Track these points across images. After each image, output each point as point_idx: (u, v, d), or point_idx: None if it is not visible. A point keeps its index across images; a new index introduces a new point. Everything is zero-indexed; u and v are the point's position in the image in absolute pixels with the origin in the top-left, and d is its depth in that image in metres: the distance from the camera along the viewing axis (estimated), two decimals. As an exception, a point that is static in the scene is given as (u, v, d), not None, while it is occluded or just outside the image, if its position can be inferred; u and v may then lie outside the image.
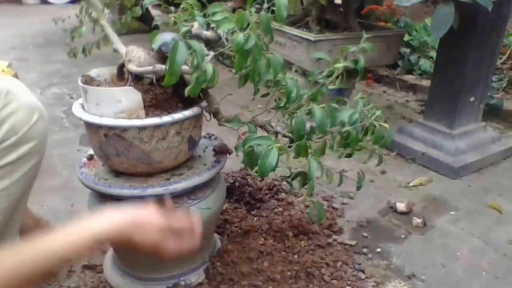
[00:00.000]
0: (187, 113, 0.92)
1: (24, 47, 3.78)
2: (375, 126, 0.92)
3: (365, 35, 0.98)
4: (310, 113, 0.89)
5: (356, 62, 0.97)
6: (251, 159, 0.86)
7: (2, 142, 0.71)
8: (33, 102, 0.75)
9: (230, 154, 1.10)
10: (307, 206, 1.48)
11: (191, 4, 0.91)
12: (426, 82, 2.57)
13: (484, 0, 1.39)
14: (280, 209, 1.46)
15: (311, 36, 1.86)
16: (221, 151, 1.09)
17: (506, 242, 1.35)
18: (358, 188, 1.03)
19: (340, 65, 0.95)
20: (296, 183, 1.02)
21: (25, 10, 5.80)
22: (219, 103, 0.96)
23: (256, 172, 0.83)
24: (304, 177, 0.95)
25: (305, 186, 0.98)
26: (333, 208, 1.50)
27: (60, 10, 5.29)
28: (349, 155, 1.00)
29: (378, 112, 0.92)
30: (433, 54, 2.70)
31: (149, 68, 0.89)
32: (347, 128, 0.91)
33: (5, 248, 0.64)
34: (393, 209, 1.50)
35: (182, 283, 1.12)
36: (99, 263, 1.23)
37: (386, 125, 0.92)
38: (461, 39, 1.65)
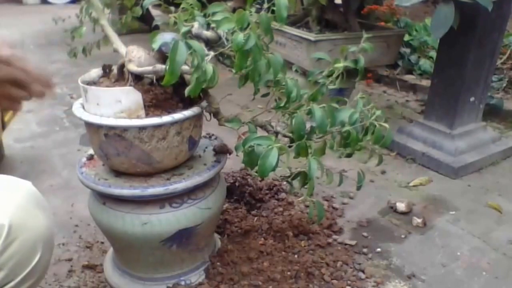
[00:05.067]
0: (187, 113, 0.92)
1: (24, 47, 3.78)
2: (375, 126, 0.92)
3: (365, 35, 0.98)
4: (310, 113, 0.89)
5: (356, 62, 0.97)
6: (251, 159, 0.86)
7: None
8: (40, 232, 0.66)
9: (230, 154, 1.10)
10: (307, 206, 1.48)
11: (191, 4, 0.91)
12: (426, 82, 2.56)
13: (484, 0, 1.39)
14: (280, 209, 1.46)
15: (311, 36, 1.86)
16: (221, 151, 1.09)
17: (506, 242, 1.35)
18: (358, 188, 1.03)
19: (340, 65, 0.95)
20: (296, 183, 1.02)
21: (25, 10, 5.80)
22: (219, 103, 0.96)
23: (256, 172, 0.83)
24: (304, 177, 0.95)
25: (305, 186, 0.98)
26: (333, 208, 1.50)
27: (60, 10, 5.28)
28: (349, 155, 1.00)
29: (378, 112, 0.92)
30: (433, 54, 2.70)
31: (149, 68, 0.89)
32: (347, 128, 0.91)
33: None
34: (393, 209, 1.50)
35: (182, 283, 1.12)
36: (99, 263, 1.23)
37: (386, 125, 0.92)
38: (461, 39, 1.65)
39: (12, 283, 0.64)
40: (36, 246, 0.66)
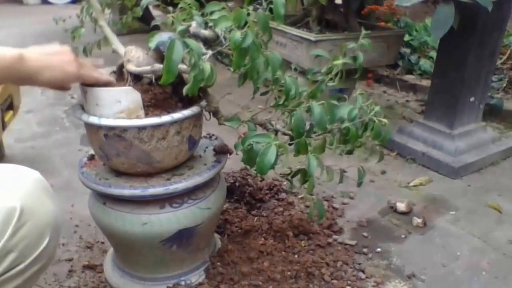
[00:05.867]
0: (186, 112, 0.92)
1: (25, 47, 3.78)
2: (374, 121, 0.92)
3: (364, 31, 0.98)
4: (309, 110, 0.89)
5: (355, 58, 0.97)
6: (250, 157, 0.86)
7: (8, 271, 0.66)
8: (48, 217, 0.69)
9: (230, 154, 1.10)
10: (307, 206, 1.48)
11: (189, 4, 0.92)
12: (426, 82, 2.56)
13: (484, 0, 1.39)
14: (281, 209, 1.46)
15: (311, 36, 1.86)
16: (222, 151, 1.09)
17: (506, 242, 1.34)
18: (359, 184, 1.03)
19: (339, 62, 0.95)
20: (296, 182, 1.02)
21: (26, 10, 5.81)
22: (218, 102, 0.96)
23: (255, 169, 0.83)
24: (304, 175, 0.95)
25: (305, 186, 0.98)
26: (333, 208, 1.50)
27: (61, 10, 5.28)
28: (349, 152, 0.99)
29: (377, 108, 0.92)
30: (433, 54, 2.70)
31: (148, 67, 0.89)
32: (346, 124, 0.91)
33: None
34: (393, 209, 1.50)
35: (182, 283, 1.12)
36: (100, 263, 1.23)
37: (385, 120, 0.92)
38: (461, 39, 1.65)
39: (22, 265, 0.66)
40: (45, 230, 0.69)
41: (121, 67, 0.97)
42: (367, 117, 0.92)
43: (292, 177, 1.02)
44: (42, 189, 0.72)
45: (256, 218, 1.40)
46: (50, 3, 6.19)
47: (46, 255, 0.70)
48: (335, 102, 0.93)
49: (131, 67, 0.91)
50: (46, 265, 0.73)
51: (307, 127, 0.91)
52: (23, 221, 0.65)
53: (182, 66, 0.81)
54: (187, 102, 0.95)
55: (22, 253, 0.66)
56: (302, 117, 0.89)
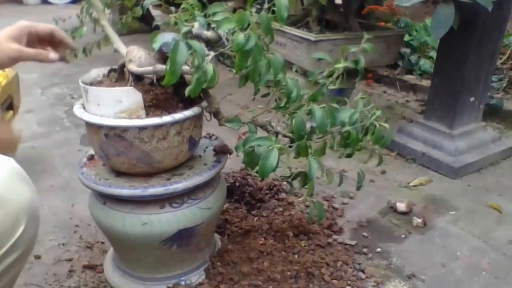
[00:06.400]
0: (187, 113, 0.92)
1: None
2: (375, 126, 0.92)
3: (366, 36, 0.98)
4: (310, 113, 0.89)
5: (356, 62, 0.97)
6: (251, 159, 0.86)
7: None
8: (23, 205, 0.68)
9: (230, 154, 1.10)
10: (307, 206, 1.48)
11: (191, 4, 0.92)
12: (426, 82, 2.56)
13: (484, 0, 1.39)
14: (281, 209, 1.46)
15: (311, 36, 1.86)
16: (222, 151, 1.09)
17: (506, 242, 1.35)
18: (358, 188, 1.03)
19: (341, 65, 0.95)
20: (296, 183, 1.02)
21: (26, 10, 5.80)
22: (219, 103, 0.96)
23: (256, 172, 0.83)
24: (305, 177, 0.95)
25: (306, 186, 0.98)
26: (333, 208, 1.50)
27: (61, 10, 5.29)
28: (349, 155, 1.00)
29: (378, 112, 0.93)
30: (433, 54, 2.70)
31: (150, 68, 0.89)
32: (347, 128, 0.91)
33: None
34: (393, 209, 1.50)
35: (183, 283, 1.12)
36: (100, 263, 1.23)
37: (386, 125, 0.92)
38: (461, 39, 1.65)
39: None
40: (19, 218, 0.67)
41: (122, 67, 0.97)
42: (368, 121, 0.92)
43: (293, 179, 1.02)
44: (16, 176, 0.70)
45: (256, 218, 1.40)
46: (50, 3, 6.19)
47: (23, 243, 0.68)
48: (336, 105, 0.93)
49: (132, 67, 0.91)
50: (25, 254, 0.71)
51: (308, 129, 0.91)
52: None
53: (185, 67, 0.81)
54: (188, 102, 0.95)
55: None
56: (303, 119, 0.89)
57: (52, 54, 0.89)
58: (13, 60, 0.82)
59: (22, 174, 0.72)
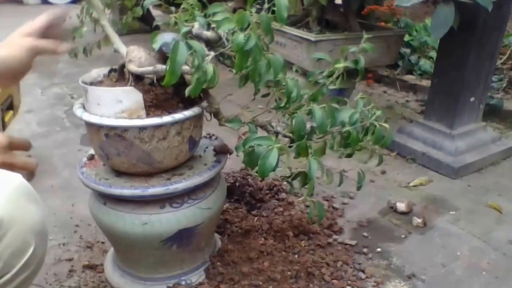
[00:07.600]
0: (187, 113, 0.92)
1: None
2: (376, 126, 0.92)
3: (366, 36, 0.98)
4: (310, 113, 0.89)
5: (356, 62, 0.97)
6: (251, 159, 0.86)
7: None
8: (32, 224, 0.67)
9: (230, 154, 1.10)
10: (307, 206, 1.48)
11: (191, 4, 0.92)
12: (426, 82, 2.56)
13: (484, 0, 1.39)
14: (281, 209, 1.46)
15: (311, 36, 1.87)
16: (222, 151, 1.09)
17: (506, 242, 1.35)
18: (359, 188, 1.03)
19: (341, 65, 0.95)
20: (296, 183, 1.02)
21: (26, 10, 5.80)
22: (219, 103, 0.96)
23: (256, 172, 0.83)
24: (305, 177, 0.95)
25: (306, 186, 0.98)
26: (334, 208, 1.50)
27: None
28: (349, 155, 1.00)
29: (378, 112, 0.93)
30: (433, 54, 2.70)
31: (150, 68, 0.89)
32: (347, 128, 0.91)
33: None
34: (393, 209, 1.51)
35: (183, 283, 1.12)
36: (100, 263, 1.23)
37: (386, 125, 0.92)
38: (461, 39, 1.65)
39: (8, 275, 0.65)
40: (29, 238, 0.67)
41: (122, 67, 0.97)
42: (368, 121, 0.92)
43: (293, 179, 1.02)
44: (25, 195, 0.68)
45: (256, 218, 1.40)
46: (50, 3, 6.19)
47: (34, 262, 0.69)
48: (336, 105, 0.93)
49: (132, 67, 0.91)
50: (35, 271, 0.72)
51: (308, 129, 0.91)
52: (4, 231, 0.63)
53: (185, 67, 0.81)
54: (188, 102, 0.95)
55: (7, 262, 0.64)
56: (303, 119, 0.89)
57: (63, 45, 0.89)
58: (30, 51, 0.83)
59: (30, 190, 0.70)
